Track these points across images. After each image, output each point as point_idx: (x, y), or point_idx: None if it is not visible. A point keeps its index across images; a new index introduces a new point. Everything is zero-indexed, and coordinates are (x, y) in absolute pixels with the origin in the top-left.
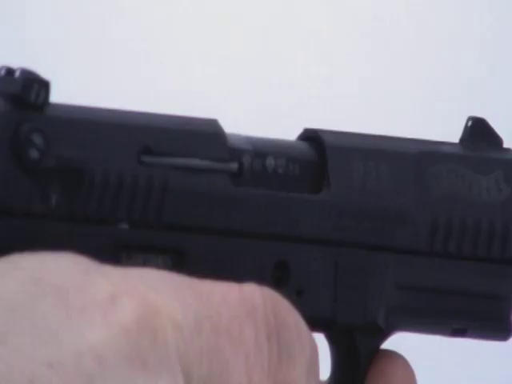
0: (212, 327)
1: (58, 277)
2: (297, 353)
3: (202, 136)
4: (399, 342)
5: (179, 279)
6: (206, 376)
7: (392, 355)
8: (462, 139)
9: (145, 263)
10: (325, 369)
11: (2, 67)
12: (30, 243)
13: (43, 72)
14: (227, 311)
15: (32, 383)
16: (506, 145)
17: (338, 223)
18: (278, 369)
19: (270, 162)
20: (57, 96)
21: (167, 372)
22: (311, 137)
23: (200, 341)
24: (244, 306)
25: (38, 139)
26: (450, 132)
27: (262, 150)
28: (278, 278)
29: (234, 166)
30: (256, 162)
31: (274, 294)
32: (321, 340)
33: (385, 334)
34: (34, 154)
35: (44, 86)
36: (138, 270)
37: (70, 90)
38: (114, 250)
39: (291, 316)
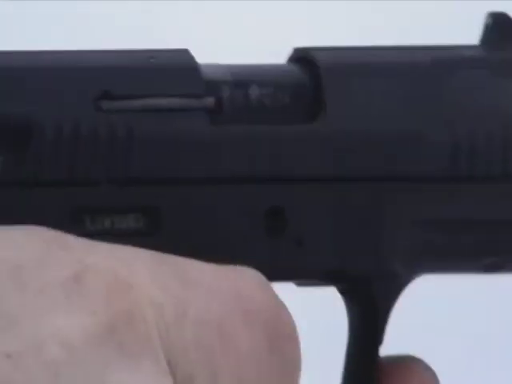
0: (198, 318)
1: (13, 254)
2: (297, 362)
3: (170, 70)
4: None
5: (159, 256)
6: (189, 373)
7: (415, 363)
8: (482, 40)
9: (113, 226)
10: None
11: None
12: None
13: None
14: (218, 304)
15: None
16: None
17: (339, 156)
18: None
19: (254, 91)
20: None
21: (149, 359)
22: (303, 57)
23: (184, 333)
24: (239, 302)
25: None
26: None
27: (243, 79)
28: (272, 227)
29: (210, 100)
30: (237, 94)
31: (271, 288)
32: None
33: (405, 281)
34: None
35: None
36: (109, 245)
37: None
38: (74, 214)
39: (289, 317)
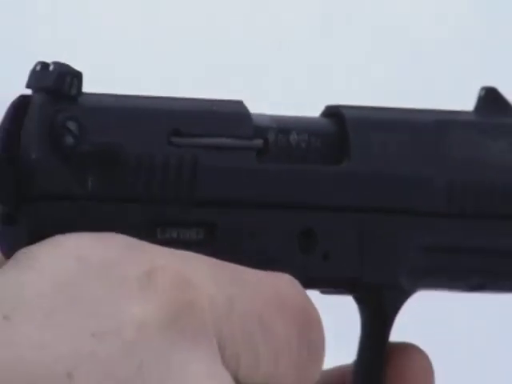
0: (244, 311)
1: (98, 254)
2: (321, 349)
3: (228, 116)
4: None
5: (214, 261)
6: (235, 357)
7: (413, 350)
8: (476, 108)
9: (178, 237)
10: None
11: (38, 63)
12: (71, 224)
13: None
14: (260, 299)
15: (77, 353)
16: None
17: (360, 191)
18: (306, 366)
19: (294, 137)
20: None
21: (205, 342)
22: (333, 112)
23: (232, 321)
24: (277, 299)
25: (72, 127)
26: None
27: (285, 127)
28: (305, 245)
29: (259, 142)
30: (280, 138)
31: (303, 289)
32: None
33: (408, 293)
34: (69, 140)
35: (76, 77)
36: (175, 250)
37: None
38: (149, 226)
39: (317, 312)
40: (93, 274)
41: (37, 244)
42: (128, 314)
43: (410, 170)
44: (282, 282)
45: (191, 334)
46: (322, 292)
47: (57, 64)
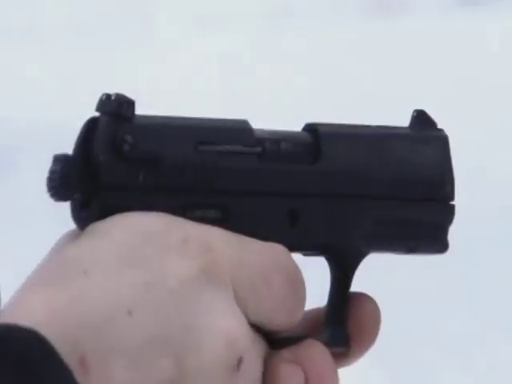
0: (251, 268)
1: (149, 227)
2: (303, 297)
3: (237, 130)
4: None
5: (229, 232)
6: (244, 300)
7: (365, 297)
8: (410, 125)
9: (203, 216)
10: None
11: (103, 94)
12: (128, 207)
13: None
14: (262, 261)
15: (134, 297)
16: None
17: (329, 182)
18: (293, 309)
19: (283, 145)
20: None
21: (224, 288)
22: (310, 128)
23: (242, 275)
24: (274, 261)
25: (128, 139)
26: None
27: (277, 138)
28: (291, 222)
29: (259, 149)
30: (273, 146)
31: (291, 255)
32: None
33: (363, 254)
34: (126, 148)
35: (131, 103)
36: (201, 224)
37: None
38: (182, 208)
39: (300, 272)
40: (145, 241)
41: (104, 220)
42: (171, 270)
43: (363, 166)
44: (278, 249)
45: (215, 282)
46: (304, 255)
47: (117, 94)
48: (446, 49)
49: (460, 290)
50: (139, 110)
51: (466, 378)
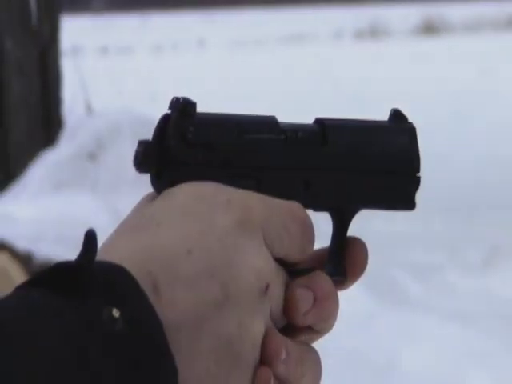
0: (275, 219)
1: (203, 191)
2: (313, 240)
3: (267, 123)
4: None
5: (261, 195)
6: (271, 243)
7: (358, 241)
8: (388, 119)
9: (243, 184)
10: None
11: (174, 97)
12: (190, 178)
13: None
14: (283, 214)
15: (191, 240)
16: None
17: (332, 159)
18: (305, 247)
19: (299, 133)
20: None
21: (256, 235)
22: (318, 122)
23: (269, 225)
24: (292, 214)
25: (191, 129)
26: None
27: (295, 128)
28: (305, 188)
29: (282, 136)
30: (293, 134)
31: (305, 210)
32: None
33: (356, 211)
34: (189, 136)
35: (193, 104)
36: (242, 190)
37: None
38: (226, 178)
39: (311, 222)
40: (200, 201)
41: (171, 188)
42: (218, 222)
43: (357, 148)
44: (295, 206)
45: (249, 231)
46: (314, 211)
47: (183, 98)
48: (416, 63)
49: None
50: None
51: (430, 294)
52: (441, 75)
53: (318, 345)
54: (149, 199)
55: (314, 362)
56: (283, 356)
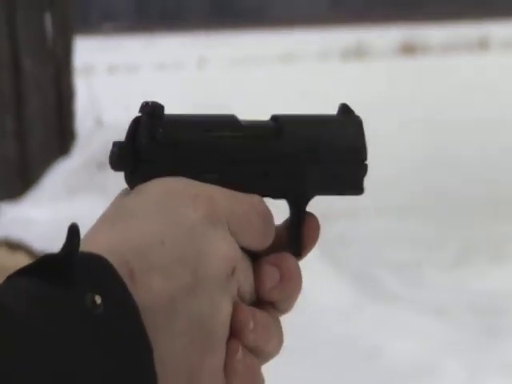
0: (238, 211)
1: (171, 187)
2: (273, 227)
3: (228, 121)
4: None
5: (225, 189)
6: (234, 232)
7: (311, 216)
8: (337, 112)
9: (208, 178)
10: None
11: (144, 101)
12: (161, 174)
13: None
14: (245, 206)
15: (163, 231)
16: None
17: (286, 150)
18: (266, 234)
19: (257, 129)
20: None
21: (222, 226)
22: (275, 118)
23: (233, 216)
24: (253, 206)
25: (160, 130)
26: None
27: (254, 125)
28: (264, 176)
29: (242, 133)
30: (252, 130)
31: (264, 202)
32: None
33: (310, 198)
34: (159, 136)
35: (162, 107)
36: (207, 184)
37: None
38: (196, 173)
39: (271, 213)
40: (170, 195)
41: (144, 184)
42: (187, 215)
43: (309, 140)
44: (255, 199)
45: (215, 222)
46: (272, 199)
47: (152, 102)
48: (396, 80)
49: None
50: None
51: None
52: (417, 91)
53: (310, 333)
54: (124, 194)
55: (277, 328)
56: (251, 325)
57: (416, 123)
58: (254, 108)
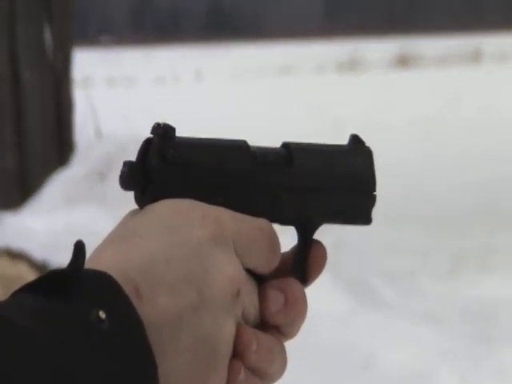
0: (244, 233)
1: (179, 207)
2: (279, 251)
3: (238, 146)
4: None
5: (232, 212)
6: (241, 254)
7: (319, 244)
8: (348, 143)
9: (215, 201)
10: None
11: (156, 123)
12: (171, 194)
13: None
14: (251, 229)
15: (169, 250)
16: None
17: (297, 178)
18: (272, 257)
19: (268, 156)
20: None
21: (228, 247)
22: (285, 145)
23: (239, 238)
24: (260, 229)
25: (170, 151)
26: None
27: (265, 152)
28: (272, 203)
29: (252, 158)
30: (263, 156)
31: (271, 225)
32: None
33: (318, 225)
34: (170, 157)
35: (173, 129)
36: (214, 206)
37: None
38: (203, 195)
39: (277, 236)
40: (177, 216)
41: (152, 204)
42: (193, 235)
43: (320, 169)
44: (263, 222)
45: (221, 243)
46: (280, 225)
47: (164, 123)
48: (390, 93)
49: None
50: None
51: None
52: (412, 103)
53: (305, 339)
54: (132, 214)
55: (281, 351)
56: (254, 347)
57: (411, 132)
58: (251, 120)
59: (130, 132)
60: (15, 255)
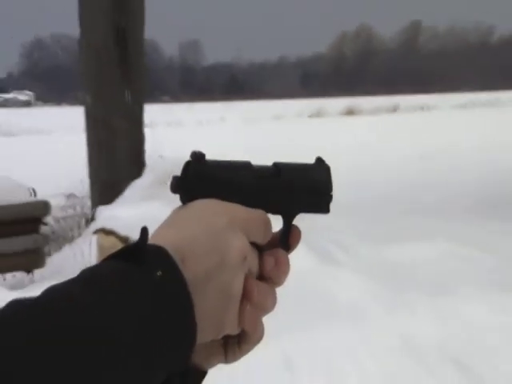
0: (250, 221)
1: (210, 207)
2: (271, 231)
3: (245, 165)
4: None
5: (243, 207)
6: (247, 235)
7: (296, 226)
8: (315, 162)
9: (232, 201)
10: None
11: (193, 151)
12: (202, 197)
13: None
14: (254, 218)
15: (196, 238)
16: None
17: (283, 187)
18: (266, 235)
19: (264, 171)
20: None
21: (239, 230)
22: (275, 165)
23: (247, 225)
24: (260, 218)
25: (203, 170)
26: None
27: (261, 168)
28: (268, 203)
29: (253, 173)
30: (261, 171)
31: (267, 215)
32: None
33: (296, 214)
34: (202, 174)
35: (203, 155)
36: (232, 203)
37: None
38: (223, 197)
39: (271, 223)
40: (206, 210)
41: (191, 202)
42: (217, 223)
43: (297, 180)
44: (262, 213)
45: (234, 227)
46: (272, 214)
47: (198, 151)
48: (342, 130)
49: None
50: None
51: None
52: (360, 140)
53: (287, 286)
54: (179, 208)
55: (273, 294)
56: (256, 291)
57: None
58: (254, 148)
59: (180, 156)
60: (108, 232)
